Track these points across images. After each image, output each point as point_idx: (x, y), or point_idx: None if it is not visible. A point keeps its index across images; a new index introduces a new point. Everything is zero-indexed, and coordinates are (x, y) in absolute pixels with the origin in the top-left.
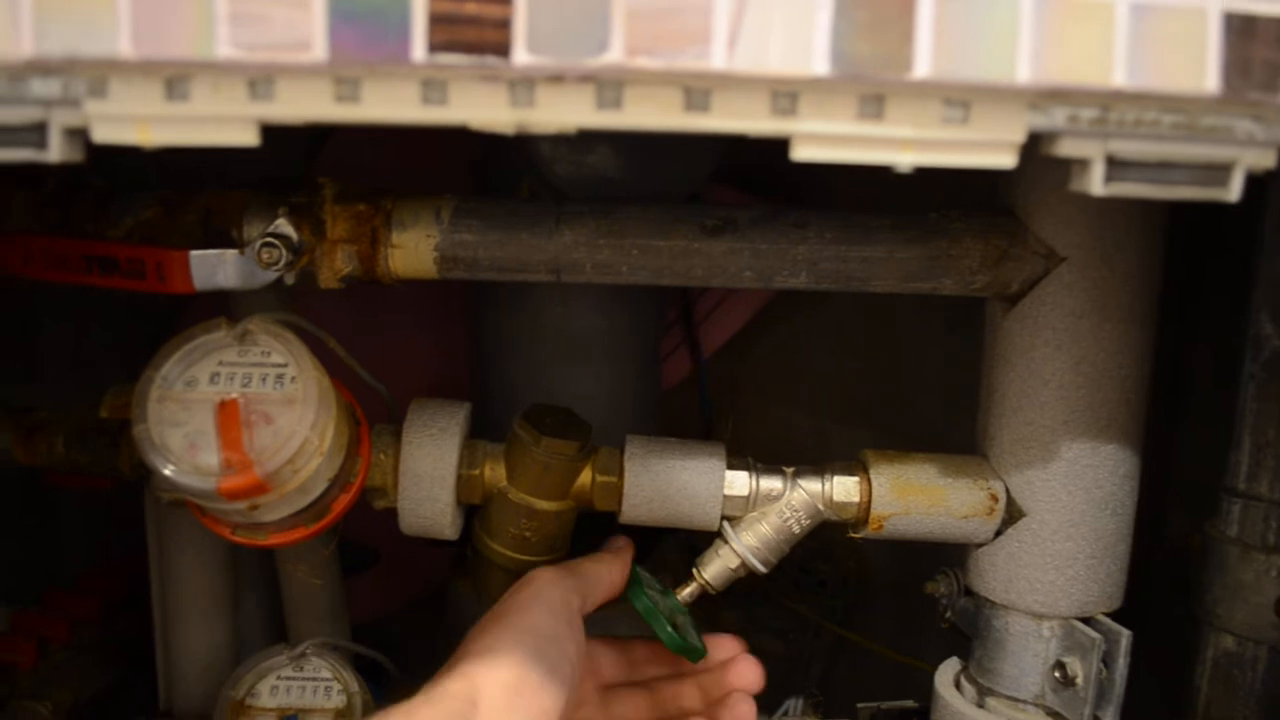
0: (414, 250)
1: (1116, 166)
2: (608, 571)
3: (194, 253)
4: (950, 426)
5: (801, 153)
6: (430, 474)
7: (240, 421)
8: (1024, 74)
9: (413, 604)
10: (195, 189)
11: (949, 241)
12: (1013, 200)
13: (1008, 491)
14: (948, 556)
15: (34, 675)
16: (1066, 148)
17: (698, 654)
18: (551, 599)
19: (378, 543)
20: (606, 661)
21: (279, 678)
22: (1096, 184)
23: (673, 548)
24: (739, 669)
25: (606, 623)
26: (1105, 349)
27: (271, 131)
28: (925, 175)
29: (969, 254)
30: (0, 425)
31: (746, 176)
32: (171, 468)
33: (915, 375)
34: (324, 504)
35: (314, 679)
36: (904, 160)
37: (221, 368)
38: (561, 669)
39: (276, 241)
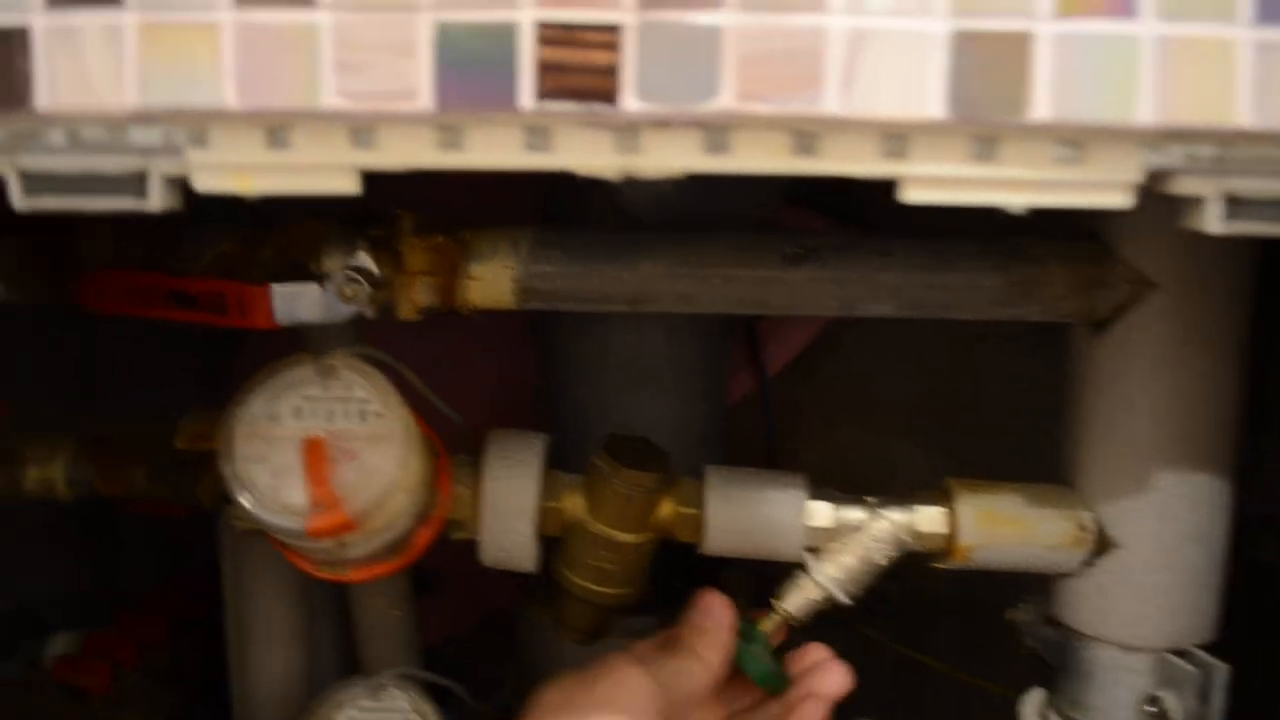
0: (492, 282)
1: (1235, 204)
2: (702, 671)
3: (276, 287)
4: (1017, 449)
5: (911, 195)
6: (511, 507)
7: (327, 459)
8: (1144, 114)
9: (478, 627)
10: (271, 220)
11: (1036, 268)
12: (1100, 224)
13: (1097, 522)
14: (1019, 577)
15: (105, 700)
16: (1182, 186)
17: (784, 684)
18: (633, 708)
19: (438, 565)
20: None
21: (355, 709)
22: (1214, 222)
23: (738, 571)
24: (823, 674)
25: None
26: (1198, 377)
27: None
28: None
29: (1056, 280)
30: (81, 457)
31: (815, 193)
32: (259, 507)
33: (981, 397)
34: (406, 539)
35: (390, 710)
36: (1016, 201)
37: (304, 402)
38: None
39: (358, 275)
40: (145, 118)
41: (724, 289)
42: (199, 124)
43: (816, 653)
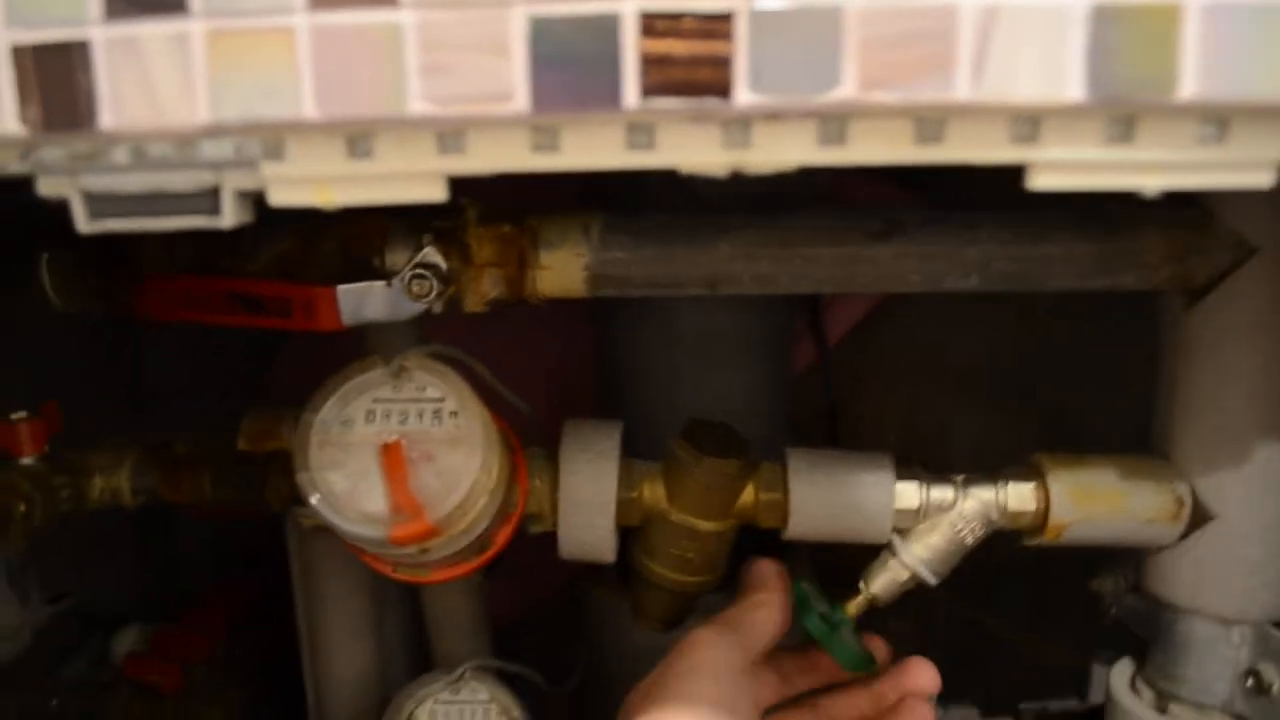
0: (563, 270)
1: None
2: (768, 617)
3: (341, 288)
4: (1080, 414)
5: (1040, 181)
6: (590, 500)
7: (405, 464)
8: None
9: (543, 607)
10: (329, 215)
11: (1130, 236)
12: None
13: (1194, 494)
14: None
15: (178, 696)
16: None
17: (871, 666)
18: (715, 665)
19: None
20: (797, 682)
21: (436, 702)
22: None
23: (804, 551)
24: (915, 671)
25: None
26: None
27: None
28: None
29: (1152, 248)
30: (144, 464)
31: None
32: (339, 516)
33: (1043, 362)
34: (487, 537)
35: (471, 702)
36: (1151, 184)
37: (377, 405)
38: None
39: (426, 272)
40: (217, 131)
41: (805, 268)
42: (275, 136)
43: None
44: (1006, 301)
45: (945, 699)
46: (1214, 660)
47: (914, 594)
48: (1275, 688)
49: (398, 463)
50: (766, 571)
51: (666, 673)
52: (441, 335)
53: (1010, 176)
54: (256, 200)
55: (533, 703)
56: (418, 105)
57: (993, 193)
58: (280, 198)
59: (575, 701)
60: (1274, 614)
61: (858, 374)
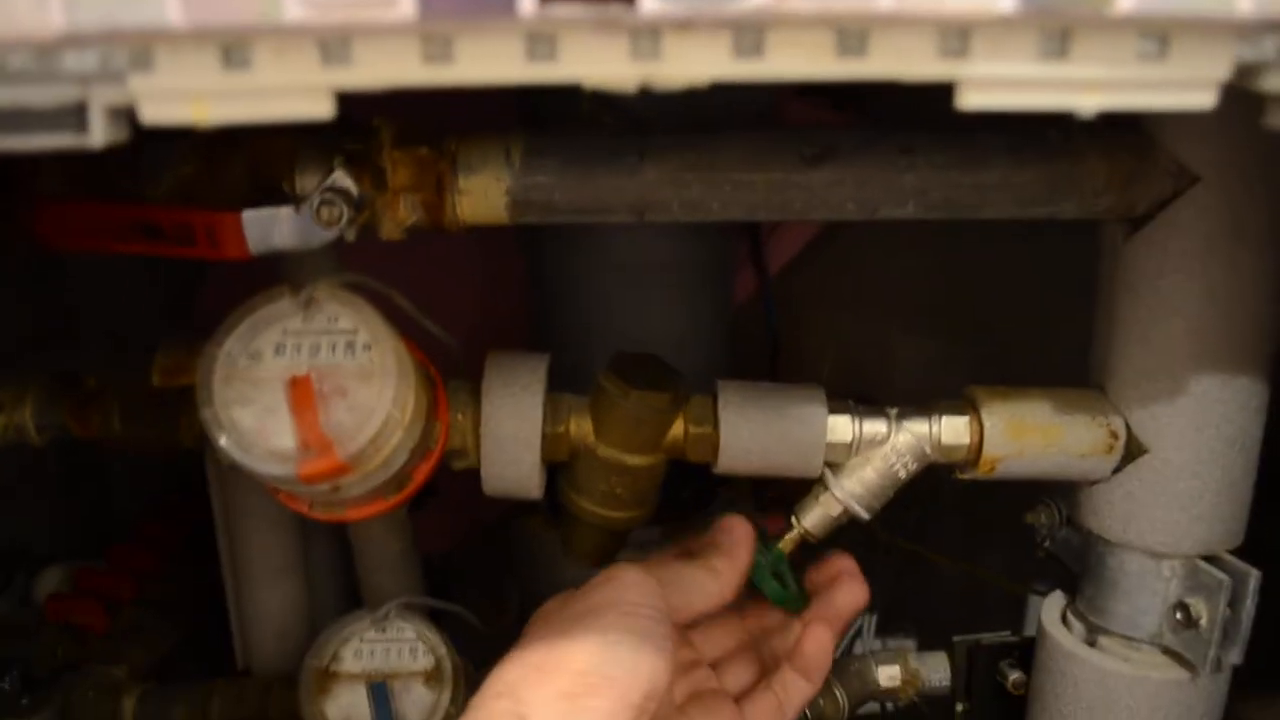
0: (483, 195)
1: None
2: (712, 582)
3: (247, 214)
4: (1022, 346)
5: (970, 99)
6: (514, 435)
7: (315, 399)
8: (1243, 3)
9: (477, 538)
10: (237, 139)
11: (1070, 162)
12: (1142, 115)
13: (1128, 427)
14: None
15: (106, 637)
16: (1273, 82)
17: (801, 604)
18: (630, 603)
19: (436, 476)
20: (716, 643)
21: (362, 641)
22: None
23: (745, 486)
24: (842, 594)
25: None
26: (1241, 276)
27: None
28: None
29: (1093, 175)
30: (52, 398)
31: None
32: (245, 453)
33: (990, 285)
34: (405, 474)
35: (398, 640)
36: (1088, 104)
37: (286, 338)
38: (637, 670)
39: (336, 197)
40: (77, 41)
41: (736, 195)
42: (142, 45)
43: (839, 563)
44: (952, 230)
45: (884, 631)
46: (1144, 594)
47: (852, 529)
48: (1203, 621)
49: (306, 397)
50: (736, 537)
51: (583, 601)
52: (366, 266)
53: (944, 95)
54: (130, 118)
55: (467, 639)
56: (295, 11)
57: (932, 111)
58: (152, 113)
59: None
60: (1204, 548)
61: (800, 304)
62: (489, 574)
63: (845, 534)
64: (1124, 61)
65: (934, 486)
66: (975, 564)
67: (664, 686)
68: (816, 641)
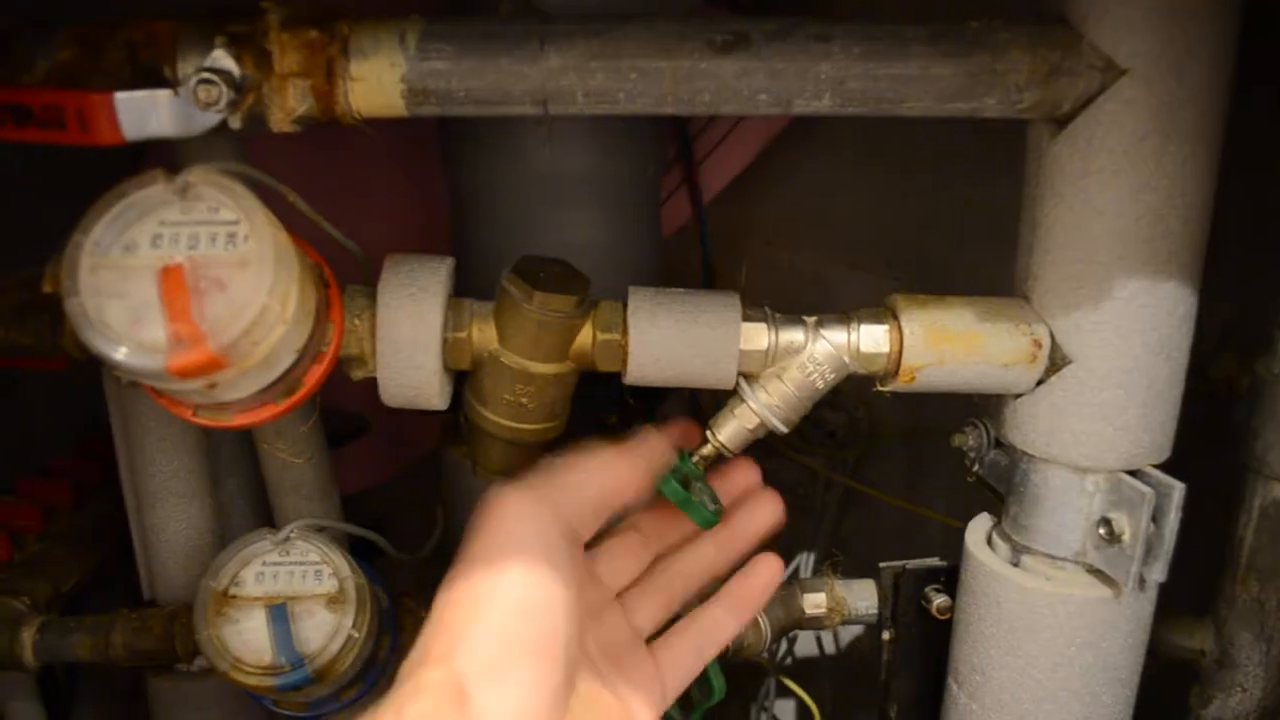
0: (377, 83)
1: None
2: (607, 478)
3: (120, 95)
4: (963, 276)
5: None
6: (412, 339)
7: (188, 289)
8: None
9: (408, 471)
10: (117, 22)
11: (993, 54)
12: (1065, 6)
13: (1052, 336)
14: (964, 402)
15: (9, 568)
16: None
17: (714, 519)
18: (523, 537)
19: (367, 409)
20: (619, 570)
21: (264, 564)
22: None
23: (675, 404)
24: (756, 512)
25: None
26: (1169, 174)
27: None
28: None
29: (1016, 68)
30: None
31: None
32: (112, 346)
33: (930, 217)
34: (294, 378)
35: (301, 563)
36: None
37: (164, 228)
38: (554, 631)
39: (215, 77)
40: None
41: (643, 84)
42: None
43: (745, 475)
44: (896, 154)
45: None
46: (1067, 510)
47: (793, 467)
48: (1126, 536)
49: (178, 287)
50: (642, 436)
51: (474, 545)
52: (284, 179)
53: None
54: None
55: (391, 566)
56: None
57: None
58: None
59: (439, 564)
60: (1128, 462)
61: (737, 233)
62: (420, 505)
63: (787, 471)
64: None
65: (874, 424)
66: (917, 501)
67: (577, 620)
68: (762, 578)
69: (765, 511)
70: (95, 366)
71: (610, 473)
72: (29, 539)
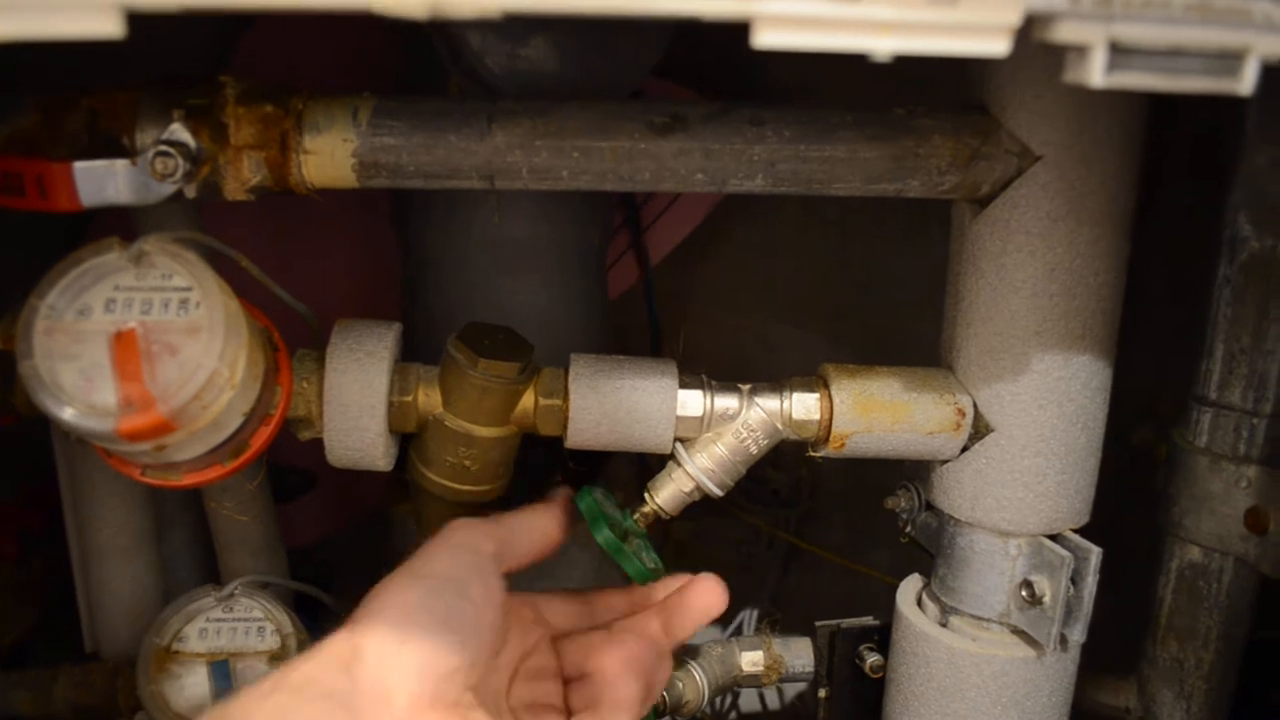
0: (330, 156)
1: (1120, 54)
2: (536, 521)
3: (78, 164)
4: (901, 336)
5: (765, 38)
6: (358, 402)
7: (139, 353)
8: None
9: (355, 526)
10: (79, 92)
11: (916, 140)
12: (985, 95)
13: (975, 406)
14: (903, 466)
15: None
16: (1065, 32)
17: (659, 575)
18: (457, 543)
19: (313, 465)
20: (559, 611)
21: (208, 620)
22: (1097, 74)
23: (625, 463)
24: (700, 589)
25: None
26: (1081, 254)
27: (163, 25)
28: (889, 72)
29: (938, 153)
30: None
31: (698, 71)
32: (64, 408)
33: (866, 285)
34: (241, 439)
35: (245, 620)
36: (882, 46)
37: (118, 293)
38: (461, 614)
39: (171, 149)
40: None
41: (585, 162)
42: None
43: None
44: (837, 223)
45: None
46: (992, 573)
47: (736, 526)
48: (1046, 598)
49: (131, 351)
50: (556, 493)
51: (413, 553)
52: (233, 241)
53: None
54: None
55: (336, 621)
56: None
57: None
58: None
59: None
60: (1049, 526)
61: (683, 293)
62: (365, 562)
63: (731, 529)
64: (915, 4)
65: (816, 484)
66: (859, 559)
67: (490, 627)
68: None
69: (708, 591)
70: (44, 422)
71: (543, 523)
72: None
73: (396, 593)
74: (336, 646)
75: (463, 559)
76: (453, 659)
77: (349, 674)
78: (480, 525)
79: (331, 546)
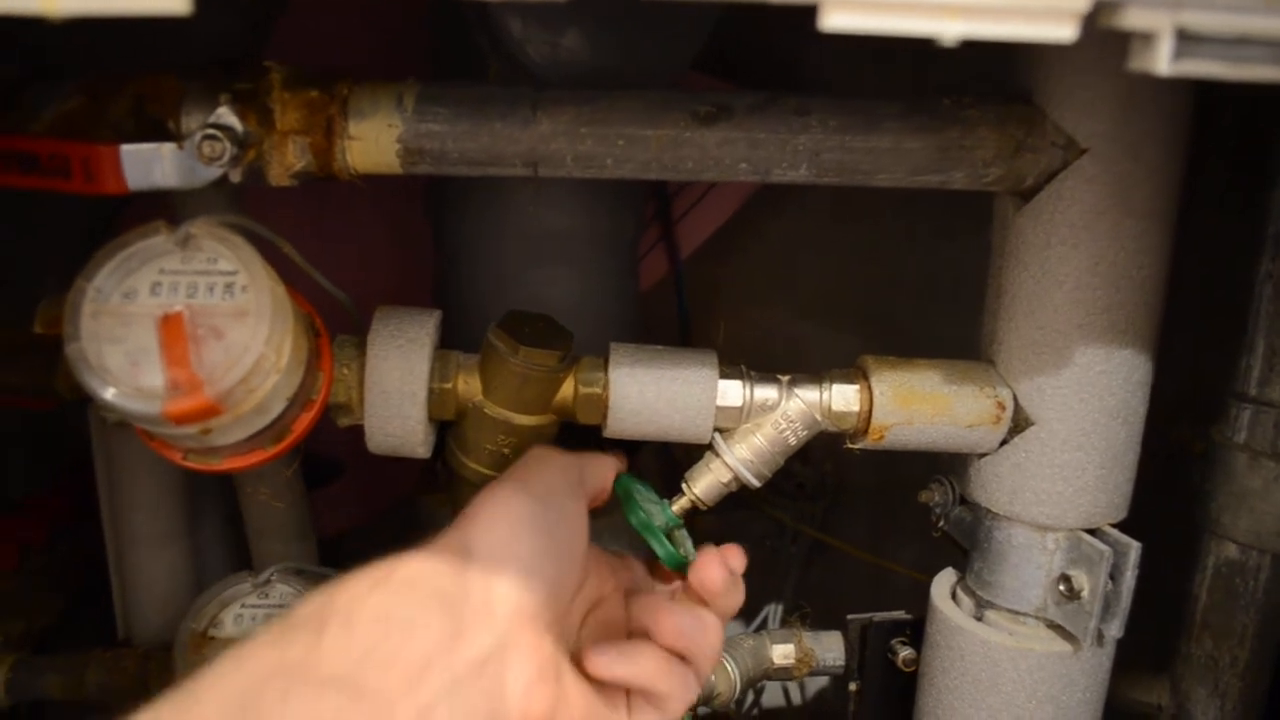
0: (374, 142)
1: (1186, 42)
2: (604, 465)
3: (125, 147)
4: (931, 331)
5: (833, 21)
6: (399, 389)
7: (186, 337)
8: None
9: (383, 516)
10: (125, 75)
11: (962, 131)
12: (1031, 86)
13: (1015, 399)
14: (931, 459)
15: None
16: (1133, 19)
17: (686, 562)
18: (556, 463)
19: (343, 454)
20: (635, 569)
21: (243, 606)
22: (1164, 62)
23: (650, 455)
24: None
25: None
26: (1125, 248)
27: (212, 5)
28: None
29: (983, 144)
30: None
31: (734, 64)
32: (111, 390)
33: (897, 279)
34: (283, 424)
35: (280, 606)
36: (951, 30)
37: (163, 276)
38: (563, 536)
39: (219, 133)
40: None
41: (629, 150)
42: None
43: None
44: (869, 217)
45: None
46: (1029, 567)
47: (761, 520)
48: (1085, 593)
49: (177, 335)
50: (600, 458)
51: (511, 468)
52: (278, 229)
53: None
54: None
55: None
56: None
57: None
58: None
59: None
60: (1087, 521)
61: (712, 290)
62: (389, 545)
63: (755, 525)
64: None
65: (841, 478)
66: (885, 553)
67: (581, 559)
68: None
69: (708, 566)
70: (84, 407)
71: (606, 467)
72: (3, 574)
73: (506, 502)
74: (448, 545)
75: (562, 480)
76: (554, 579)
77: (459, 578)
78: (566, 454)
79: (359, 537)
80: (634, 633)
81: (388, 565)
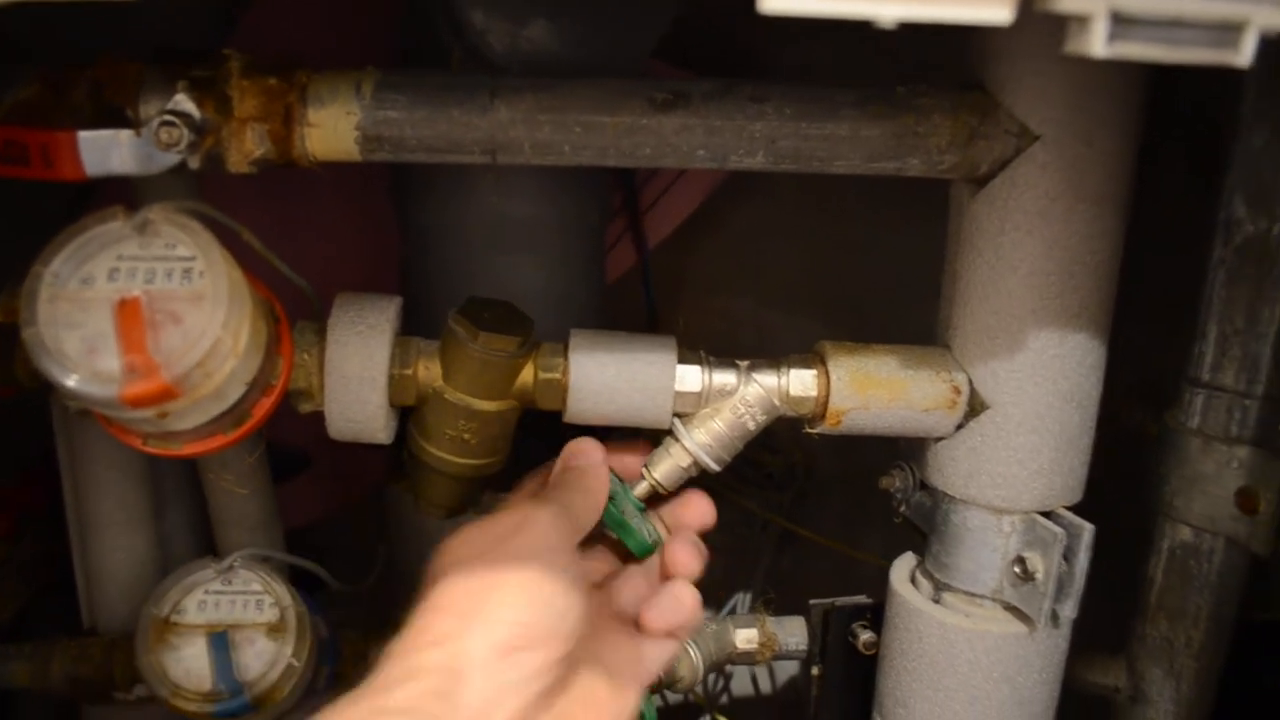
0: (333, 129)
1: (1121, 24)
2: (594, 502)
3: (83, 134)
4: (898, 320)
5: (771, 3)
6: (359, 375)
7: (143, 321)
8: None
9: (351, 507)
10: (84, 63)
11: (916, 118)
12: (984, 74)
13: (971, 383)
14: (896, 447)
15: None
16: (1067, 1)
17: (659, 547)
18: (551, 549)
19: (310, 445)
20: (604, 561)
21: (206, 592)
22: (1098, 44)
23: (619, 438)
24: (691, 503)
25: None
26: (1078, 233)
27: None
28: (887, 51)
29: (937, 132)
30: None
31: (691, 54)
32: (68, 375)
33: (863, 268)
34: (243, 409)
35: (243, 593)
36: (887, 13)
37: (121, 262)
38: (563, 611)
39: (176, 120)
40: None
41: (587, 137)
42: None
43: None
44: (834, 206)
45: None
46: (985, 549)
47: (729, 509)
48: (1039, 574)
49: (134, 319)
50: (591, 457)
51: (503, 550)
52: (239, 217)
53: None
54: None
55: (331, 600)
56: None
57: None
58: None
59: (378, 598)
60: (1042, 504)
61: (680, 275)
62: (360, 541)
63: (724, 512)
64: None
65: (810, 467)
66: (853, 543)
67: (583, 625)
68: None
69: (694, 508)
70: (44, 395)
71: (597, 500)
72: None
73: (499, 603)
74: (436, 667)
75: (559, 572)
76: (554, 673)
77: (448, 701)
78: (562, 522)
79: (325, 531)
80: (618, 616)
81: (374, 692)
